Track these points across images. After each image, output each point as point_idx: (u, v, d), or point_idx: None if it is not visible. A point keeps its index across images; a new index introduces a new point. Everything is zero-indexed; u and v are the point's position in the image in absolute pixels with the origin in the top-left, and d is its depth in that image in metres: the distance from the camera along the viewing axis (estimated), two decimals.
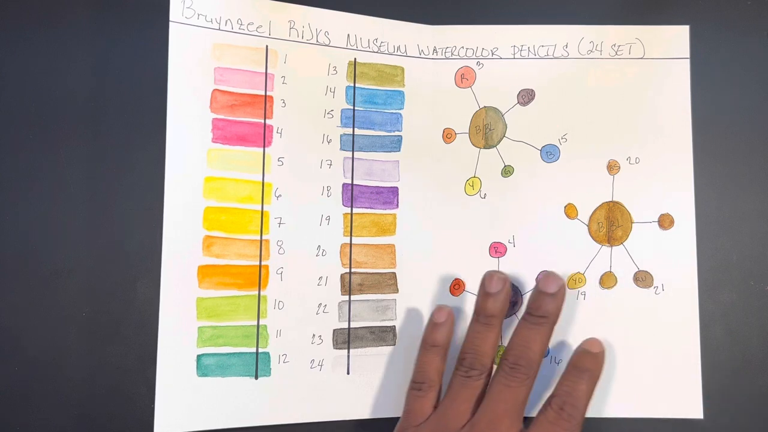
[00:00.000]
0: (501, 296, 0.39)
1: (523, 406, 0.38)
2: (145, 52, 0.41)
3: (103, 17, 0.42)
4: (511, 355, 0.38)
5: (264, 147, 0.42)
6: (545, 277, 0.39)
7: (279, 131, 0.42)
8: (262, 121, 0.42)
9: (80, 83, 0.41)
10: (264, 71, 0.42)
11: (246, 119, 0.42)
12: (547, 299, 0.38)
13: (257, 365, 0.41)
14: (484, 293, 0.40)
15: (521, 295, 0.43)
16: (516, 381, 0.37)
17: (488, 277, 0.40)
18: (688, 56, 0.44)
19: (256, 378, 0.41)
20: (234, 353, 0.41)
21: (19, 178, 0.40)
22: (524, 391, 0.37)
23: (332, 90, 0.43)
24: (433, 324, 0.41)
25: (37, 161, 0.40)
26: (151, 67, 0.41)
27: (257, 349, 0.41)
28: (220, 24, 0.42)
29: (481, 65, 0.44)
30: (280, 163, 0.42)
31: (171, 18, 0.41)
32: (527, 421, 0.38)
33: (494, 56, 0.44)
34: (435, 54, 0.44)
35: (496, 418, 0.37)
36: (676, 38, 0.44)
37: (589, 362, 0.38)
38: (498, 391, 0.37)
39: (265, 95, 0.42)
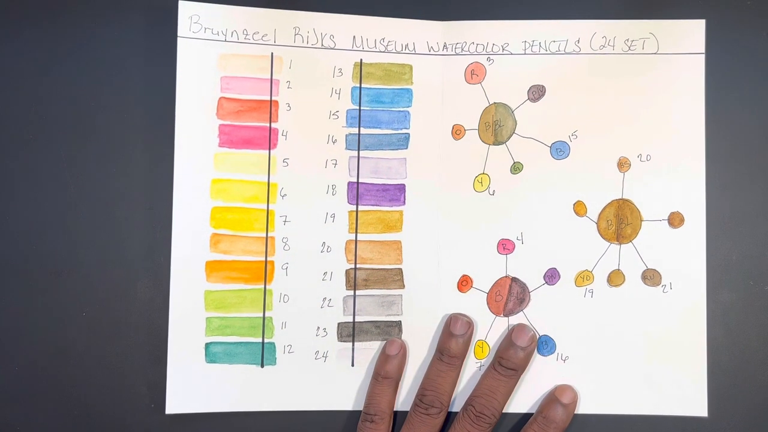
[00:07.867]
0: (464, 338, 0.41)
1: None
2: (153, 62, 0.43)
3: (113, 27, 0.43)
4: (477, 403, 0.40)
5: (269, 149, 0.43)
6: (518, 329, 0.42)
7: (284, 134, 0.43)
8: (268, 125, 0.43)
9: (91, 91, 0.43)
10: (269, 77, 0.44)
11: (252, 123, 0.43)
12: (519, 351, 0.41)
13: (263, 354, 0.43)
14: (448, 333, 0.42)
15: (529, 292, 0.43)
16: (478, 428, 0.40)
17: (454, 319, 0.42)
18: (704, 51, 0.43)
19: (262, 366, 0.43)
20: (241, 342, 0.43)
21: (22, 179, 0.42)
22: None
23: (337, 92, 0.44)
24: (385, 356, 0.42)
25: (44, 168, 0.42)
26: (160, 76, 0.43)
27: (263, 339, 0.43)
28: (226, 36, 0.43)
29: (491, 61, 0.44)
30: (285, 164, 0.43)
31: (179, 33, 0.43)
32: None
33: (505, 52, 0.44)
34: (444, 50, 0.44)
35: None
36: (691, 33, 0.43)
37: (558, 415, 0.40)
38: None
39: (270, 100, 0.43)
